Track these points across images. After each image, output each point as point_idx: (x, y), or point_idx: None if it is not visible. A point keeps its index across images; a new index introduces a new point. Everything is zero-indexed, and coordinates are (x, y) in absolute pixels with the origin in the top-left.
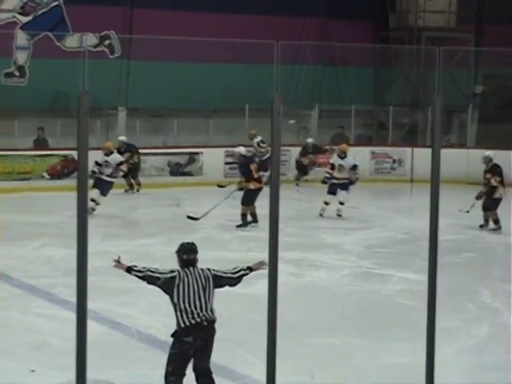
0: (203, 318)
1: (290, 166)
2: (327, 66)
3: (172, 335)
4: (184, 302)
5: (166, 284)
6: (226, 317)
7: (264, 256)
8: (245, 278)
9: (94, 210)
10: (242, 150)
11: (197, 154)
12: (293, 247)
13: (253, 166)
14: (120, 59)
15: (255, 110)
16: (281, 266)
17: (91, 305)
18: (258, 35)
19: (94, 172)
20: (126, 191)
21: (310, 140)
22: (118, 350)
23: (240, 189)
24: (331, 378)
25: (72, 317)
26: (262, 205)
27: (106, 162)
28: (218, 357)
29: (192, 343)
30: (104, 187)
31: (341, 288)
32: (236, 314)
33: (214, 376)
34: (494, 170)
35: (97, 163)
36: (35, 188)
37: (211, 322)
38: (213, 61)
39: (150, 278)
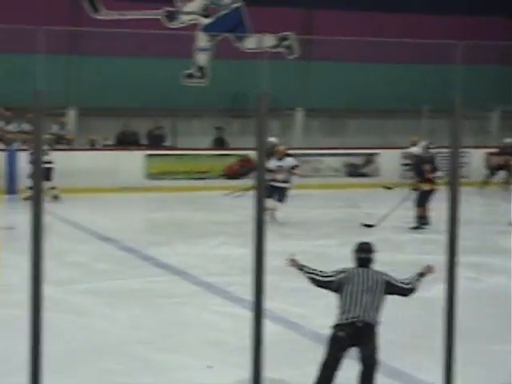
0: (359, 318)
1: (471, 168)
2: (510, 67)
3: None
4: (346, 300)
5: (338, 285)
6: (402, 320)
7: (441, 259)
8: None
9: (273, 217)
10: (415, 150)
11: (373, 155)
12: (471, 251)
13: (426, 167)
14: (298, 60)
15: (433, 111)
16: (459, 270)
17: (267, 304)
18: (437, 35)
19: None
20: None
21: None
22: (292, 350)
23: (414, 190)
24: None
25: (248, 315)
26: (441, 207)
27: (279, 166)
28: (393, 360)
29: (342, 340)
30: (280, 194)
31: None
32: (412, 317)
33: (389, 380)
34: None
35: (268, 170)
36: (213, 187)
37: (367, 324)
38: (392, 61)
39: (321, 282)
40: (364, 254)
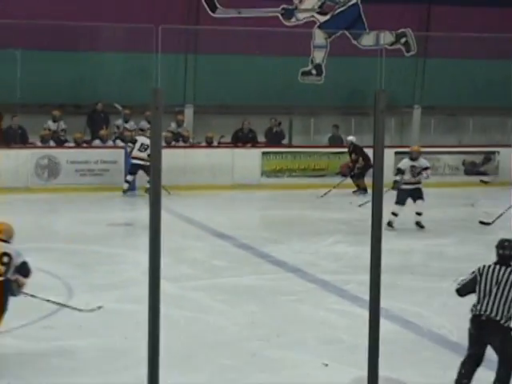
0: (484, 312)
1: None
2: None
3: None
4: (478, 294)
5: (475, 281)
6: None
7: None
8: None
9: (391, 225)
10: None
11: (493, 153)
12: None
13: None
14: (416, 57)
15: None
16: None
17: (383, 302)
18: None
19: (396, 182)
20: (353, 192)
21: None
22: (409, 349)
23: None
24: None
25: (364, 313)
26: None
27: (413, 166)
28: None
29: (471, 335)
30: (419, 194)
31: None
32: None
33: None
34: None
35: (399, 171)
36: (329, 185)
37: (492, 319)
38: (510, 57)
39: (461, 289)
40: (503, 250)
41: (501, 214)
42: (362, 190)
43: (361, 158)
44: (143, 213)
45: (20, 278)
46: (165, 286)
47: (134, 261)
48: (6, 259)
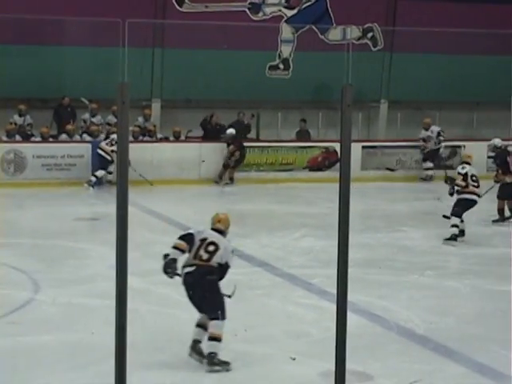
0: None
1: None
2: None
3: None
4: None
5: None
6: (487, 314)
7: None
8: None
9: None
10: (496, 141)
11: (459, 147)
12: None
13: (510, 159)
14: (382, 52)
15: None
16: None
17: (350, 296)
18: None
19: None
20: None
21: None
22: (376, 343)
23: (496, 182)
24: None
25: (331, 307)
26: None
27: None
28: (479, 354)
29: None
30: None
31: None
32: (497, 311)
33: (475, 374)
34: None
35: None
36: (297, 179)
37: None
38: (476, 52)
39: None
40: None
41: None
42: (230, 180)
43: (238, 152)
44: (110, 207)
45: None
46: (132, 280)
47: (101, 255)
48: None
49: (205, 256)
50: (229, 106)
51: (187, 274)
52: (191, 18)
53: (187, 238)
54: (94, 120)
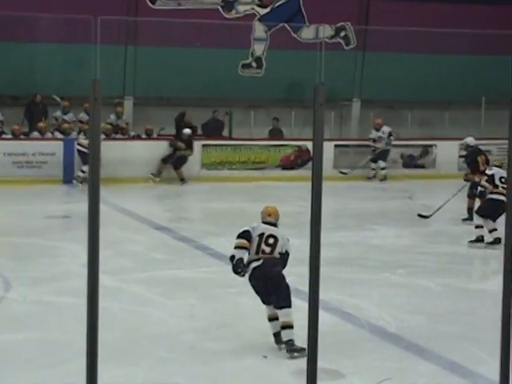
0: None
1: None
2: None
3: None
4: None
5: None
6: (458, 312)
7: (498, 252)
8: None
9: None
10: (469, 140)
11: (430, 146)
12: None
13: (480, 158)
14: (355, 51)
15: (492, 102)
16: None
17: (322, 295)
18: (495, 26)
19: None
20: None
21: None
22: (347, 341)
23: (466, 181)
24: None
25: (303, 306)
26: None
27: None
28: (449, 352)
29: None
30: None
31: None
32: (468, 309)
33: (445, 371)
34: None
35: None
36: (269, 177)
37: None
38: (449, 52)
39: None
40: None
41: (439, 207)
42: (181, 181)
43: (185, 152)
44: (81, 205)
45: None
46: (104, 278)
47: (73, 253)
48: None
49: (267, 249)
50: (201, 104)
51: (255, 268)
52: (164, 15)
53: (245, 235)
54: (65, 117)
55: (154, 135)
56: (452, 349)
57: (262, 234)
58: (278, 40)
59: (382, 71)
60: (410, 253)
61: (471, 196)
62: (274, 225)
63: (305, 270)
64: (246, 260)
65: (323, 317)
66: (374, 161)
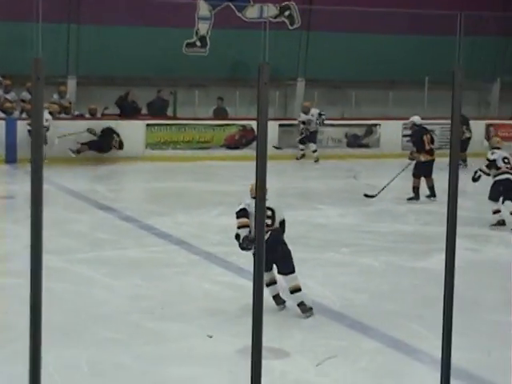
0: None
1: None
2: (510, 38)
3: None
4: None
5: None
6: (401, 290)
7: (441, 230)
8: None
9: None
10: (416, 119)
11: (375, 125)
12: (470, 222)
13: (426, 137)
14: (299, 30)
15: (435, 82)
16: (458, 241)
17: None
18: (438, 6)
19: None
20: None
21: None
22: (292, 319)
23: (411, 159)
24: (508, 356)
25: (248, 285)
26: (442, 178)
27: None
28: (392, 330)
29: None
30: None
31: None
32: (411, 287)
33: (388, 349)
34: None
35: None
36: (214, 157)
37: None
38: (393, 32)
39: None
40: None
41: (384, 187)
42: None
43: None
44: (25, 185)
45: None
46: (48, 259)
47: (16, 234)
48: None
49: (268, 221)
50: (146, 83)
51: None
52: None
53: (244, 213)
54: (7, 97)
55: (98, 115)
56: (395, 326)
57: None
58: (223, 19)
59: (327, 51)
60: (354, 231)
61: (416, 175)
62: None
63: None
64: (251, 236)
65: (268, 296)
66: (303, 142)
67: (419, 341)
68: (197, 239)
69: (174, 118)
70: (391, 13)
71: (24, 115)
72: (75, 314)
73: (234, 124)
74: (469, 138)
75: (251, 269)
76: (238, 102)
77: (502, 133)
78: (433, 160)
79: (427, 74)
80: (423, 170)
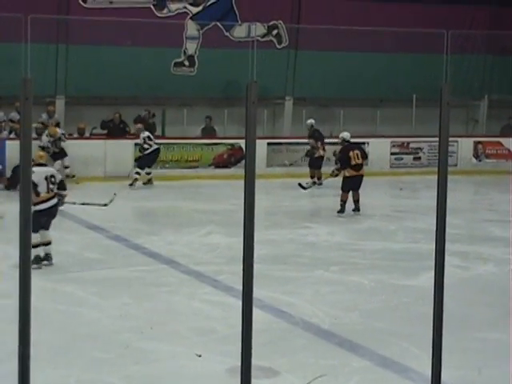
0: None
1: (460, 156)
2: (497, 56)
3: None
4: None
5: None
6: (391, 308)
7: (431, 248)
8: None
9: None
10: (345, 135)
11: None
12: (459, 239)
13: (353, 153)
14: (287, 49)
15: (423, 100)
16: (447, 259)
17: (256, 292)
18: (425, 24)
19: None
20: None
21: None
22: (282, 338)
23: (335, 176)
24: (498, 374)
25: (237, 304)
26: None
27: None
28: (382, 348)
29: None
30: None
31: (509, 282)
32: (400, 305)
33: (378, 368)
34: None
35: None
36: (203, 176)
37: None
38: (380, 50)
39: None
40: None
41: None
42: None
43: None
44: (13, 205)
45: (63, 192)
46: (36, 279)
47: (4, 254)
48: (53, 179)
49: (55, 188)
50: (134, 102)
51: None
52: (95, 14)
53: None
54: None
55: (87, 134)
56: (385, 345)
57: (49, 176)
58: (211, 38)
59: (315, 69)
60: (343, 250)
61: (344, 189)
62: (46, 165)
63: (238, 268)
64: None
65: (257, 314)
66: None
67: (409, 359)
68: (186, 258)
69: (163, 137)
70: (379, 31)
71: (13, 135)
72: (64, 333)
73: (222, 143)
74: (322, 157)
75: (240, 287)
76: (226, 120)
77: (489, 150)
78: (360, 175)
79: (415, 91)
80: (350, 185)
